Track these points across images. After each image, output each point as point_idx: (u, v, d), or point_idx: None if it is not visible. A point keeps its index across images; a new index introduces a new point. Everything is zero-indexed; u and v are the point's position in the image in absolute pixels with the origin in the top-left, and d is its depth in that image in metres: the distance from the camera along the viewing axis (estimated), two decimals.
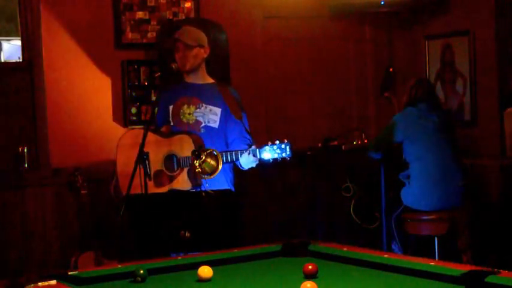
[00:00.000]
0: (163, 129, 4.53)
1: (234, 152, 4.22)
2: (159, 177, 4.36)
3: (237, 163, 4.32)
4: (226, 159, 4.22)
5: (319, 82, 6.79)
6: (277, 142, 4.12)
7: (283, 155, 4.11)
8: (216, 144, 4.33)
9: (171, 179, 4.35)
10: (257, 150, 4.14)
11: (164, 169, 4.36)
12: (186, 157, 4.29)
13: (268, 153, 4.11)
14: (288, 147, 4.11)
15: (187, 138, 4.33)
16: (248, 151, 4.15)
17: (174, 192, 4.28)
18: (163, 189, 4.32)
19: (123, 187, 4.42)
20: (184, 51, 4.47)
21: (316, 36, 6.74)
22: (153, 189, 4.18)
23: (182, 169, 4.31)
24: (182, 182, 4.31)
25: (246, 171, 4.46)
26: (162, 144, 4.37)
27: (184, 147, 4.31)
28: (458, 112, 6.41)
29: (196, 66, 4.51)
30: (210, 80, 4.59)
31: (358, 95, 6.94)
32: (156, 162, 4.32)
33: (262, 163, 4.24)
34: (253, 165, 4.23)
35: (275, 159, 4.12)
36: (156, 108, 4.61)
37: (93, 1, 5.88)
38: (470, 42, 6.27)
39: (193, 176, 4.28)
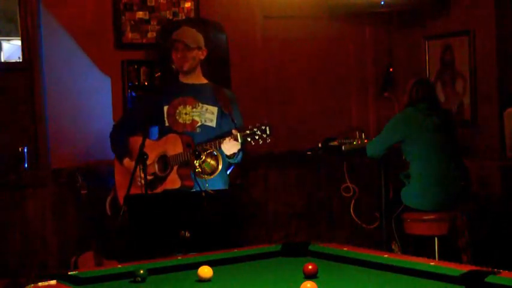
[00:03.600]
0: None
1: (217, 141, 4.23)
2: (153, 180, 4.39)
3: (220, 152, 4.32)
4: (209, 149, 4.23)
5: (319, 82, 6.79)
6: (257, 125, 4.13)
7: (264, 135, 4.12)
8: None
9: (164, 179, 4.37)
10: (238, 134, 4.14)
11: (157, 171, 4.39)
12: (174, 155, 4.31)
13: (249, 136, 4.12)
14: (267, 128, 4.12)
15: (176, 136, 4.37)
16: (229, 137, 4.16)
17: (167, 193, 4.31)
18: (158, 191, 4.34)
19: (121, 197, 4.48)
20: (184, 52, 4.49)
21: (316, 36, 6.74)
22: (149, 192, 4.23)
23: (172, 168, 4.34)
24: (172, 181, 4.34)
25: (232, 162, 4.46)
26: (154, 147, 4.41)
27: (172, 145, 4.35)
28: (458, 112, 6.41)
29: (194, 67, 4.54)
30: (205, 81, 4.62)
31: (358, 95, 6.94)
32: (150, 165, 4.36)
33: (243, 146, 4.27)
34: (235, 150, 4.23)
35: (256, 141, 4.13)
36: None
37: (93, 1, 5.89)
38: (470, 42, 6.27)
39: (184, 174, 4.29)
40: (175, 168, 4.32)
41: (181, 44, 4.48)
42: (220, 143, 4.20)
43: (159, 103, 4.52)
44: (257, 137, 4.11)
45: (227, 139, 4.17)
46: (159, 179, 4.39)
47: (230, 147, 4.20)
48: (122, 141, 4.59)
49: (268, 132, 4.12)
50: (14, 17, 6.09)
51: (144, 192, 4.01)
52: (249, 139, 4.13)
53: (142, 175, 4.38)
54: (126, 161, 4.55)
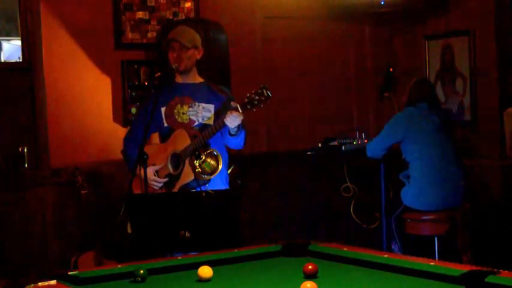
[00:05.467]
0: (154, 139, 4.54)
1: (220, 121, 4.23)
2: (170, 180, 4.40)
3: (225, 132, 4.33)
4: (215, 130, 4.24)
5: (319, 82, 6.79)
6: (253, 91, 4.13)
7: (263, 98, 4.11)
8: (212, 140, 4.35)
9: (178, 176, 4.38)
10: (238, 105, 4.15)
11: (171, 170, 4.39)
12: (184, 149, 4.32)
13: (248, 104, 4.12)
14: (264, 90, 4.11)
15: (182, 131, 4.38)
16: (230, 110, 4.17)
17: (167, 193, 4.32)
18: (176, 189, 4.36)
19: None
20: (180, 52, 4.48)
21: (316, 36, 6.74)
22: (167, 191, 4.27)
23: (185, 163, 4.35)
24: (186, 175, 4.35)
25: (234, 147, 4.47)
26: (163, 149, 4.42)
27: (181, 141, 4.36)
28: (458, 112, 6.41)
29: (190, 67, 4.54)
30: (200, 80, 4.62)
31: (358, 95, 6.94)
32: (164, 167, 4.37)
33: (244, 125, 4.29)
34: (239, 121, 4.21)
35: (258, 106, 4.13)
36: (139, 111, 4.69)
37: (93, 1, 5.89)
38: (470, 42, 6.27)
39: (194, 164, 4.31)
40: (187, 161, 4.34)
41: (177, 43, 4.47)
42: (223, 119, 4.20)
43: (157, 106, 4.51)
44: (257, 102, 4.11)
45: (228, 112, 4.17)
46: (175, 178, 4.39)
47: (233, 119, 4.18)
48: (134, 156, 4.57)
49: (266, 93, 4.11)
50: (14, 17, 6.09)
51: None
52: (249, 107, 4.13)
53: (154, 178, 4.39)
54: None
